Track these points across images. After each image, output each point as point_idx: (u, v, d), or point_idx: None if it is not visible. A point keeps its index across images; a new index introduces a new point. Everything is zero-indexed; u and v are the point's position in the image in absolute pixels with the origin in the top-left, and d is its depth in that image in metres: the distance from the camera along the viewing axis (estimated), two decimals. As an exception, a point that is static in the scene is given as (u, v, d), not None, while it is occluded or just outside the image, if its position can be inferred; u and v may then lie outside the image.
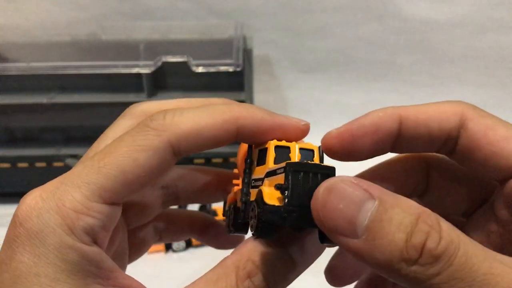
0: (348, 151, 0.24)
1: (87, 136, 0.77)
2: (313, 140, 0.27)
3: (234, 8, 0.87)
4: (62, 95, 0.73)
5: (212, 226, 0.33)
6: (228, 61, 0.67)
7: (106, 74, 0.69)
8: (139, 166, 0.22)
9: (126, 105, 0.84)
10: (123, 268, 0.29)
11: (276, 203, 0.21)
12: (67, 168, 0.72)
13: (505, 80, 0.93)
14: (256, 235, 0.22)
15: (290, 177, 0.20)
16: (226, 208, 0.28)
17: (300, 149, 0.24)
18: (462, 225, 0.26)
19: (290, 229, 0.22)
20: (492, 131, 0.22)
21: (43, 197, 0.21)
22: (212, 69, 0.67)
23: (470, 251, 0.17)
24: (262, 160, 0.24)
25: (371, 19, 0.89)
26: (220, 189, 0.32)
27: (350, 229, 0.18)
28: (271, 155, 0.24)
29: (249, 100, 0.72)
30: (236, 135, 0.24)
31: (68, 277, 0.20)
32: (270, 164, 0.24)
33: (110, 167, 0.22)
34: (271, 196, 0.21)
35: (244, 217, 0.24)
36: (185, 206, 0.60)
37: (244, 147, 0.27)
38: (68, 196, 0.21)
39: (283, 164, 0.21)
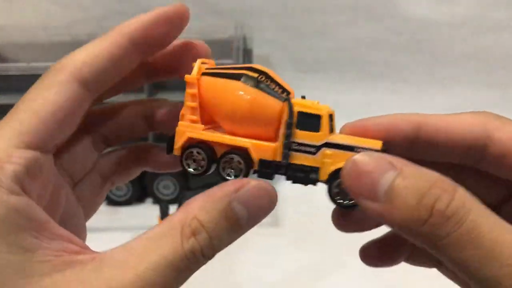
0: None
1: (87, 136, 0.78)
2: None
3: (234, 8, 0.88)
4: (62, 95, 0.73)
5: (155, 150, 0.32)
6: (228, 61, 0.68)
7: (106, 74, 0.69)
8: (49, 103, 0.22)
9: (126, 105, 0.83)
10: (82, 230, 0.27)
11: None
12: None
13: (505, 80, 0.93)
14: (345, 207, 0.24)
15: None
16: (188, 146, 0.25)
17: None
18: None
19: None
20: None
21: None
22: (212, 69, 0.67)
23: (481, 217, 0.19)
24: (307, 125, 0.24)
25: (371, 19, 0.89)
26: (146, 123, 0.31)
27: (373, 193, 0.20)
28: (326, 124, 0.24)
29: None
30: (135, 49, 0.25)
31: None
32: (325, 135, 0.24)
33: (23, 111, 0.22)
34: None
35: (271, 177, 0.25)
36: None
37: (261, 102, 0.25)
38: None
39: (375, 145, 0.23)
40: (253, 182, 0.22)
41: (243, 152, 0.25)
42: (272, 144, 0.24)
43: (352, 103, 0.93)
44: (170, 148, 0.26)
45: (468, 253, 0.18)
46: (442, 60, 0.92)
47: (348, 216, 0.27)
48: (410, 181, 0.20)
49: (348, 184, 0.21)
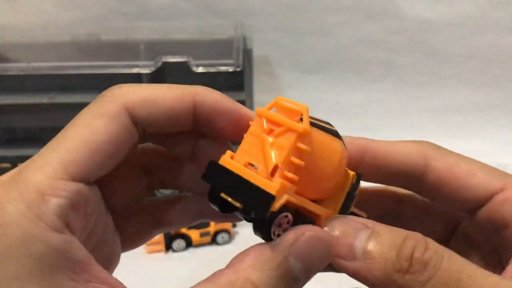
0: None
1: (87, 136, 0.78)
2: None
3: (234, 8, 0.87)
4: (62, 95, 0.73)
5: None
6: (228, 61, 0.68)
7: (107, 74, 0.69)
8: (99, 133, 0.21)
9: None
10: (115, 258, 0.26)
11: None
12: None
13: (504, 80, 0.93)
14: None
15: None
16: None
17: None
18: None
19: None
20: (456, 167, 0.24)
21: (4, 187, 0.19)
22: (212, 69, 0.67)
23: (453, 260, 0.20)
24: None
25: (371, 19, 0.89)
26: None
27: (350, 254, 0.21)
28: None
29: (249, 100, 0.72)
30: (194, 114, 0.24)
31: (32, 274, 0.18)
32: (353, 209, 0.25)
33: (70, 139, 0.20)
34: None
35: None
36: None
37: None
38: (30, 179, 0.19)
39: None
40: (308, 231, 0.21)
41: (313, 220, 0.22)
42: (326, 211, 0.23)
43: (352, 103, 0.93)
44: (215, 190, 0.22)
45: None
46: (442, 60, 0.92)
47: None
48: (386, 237, 0.21)
49: (323, 248, 0.21)
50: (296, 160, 0.21)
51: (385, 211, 0.29)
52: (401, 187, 0.27)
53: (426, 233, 0.24)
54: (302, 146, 0.21)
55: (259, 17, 0.88)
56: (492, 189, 0.23)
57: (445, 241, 0.28)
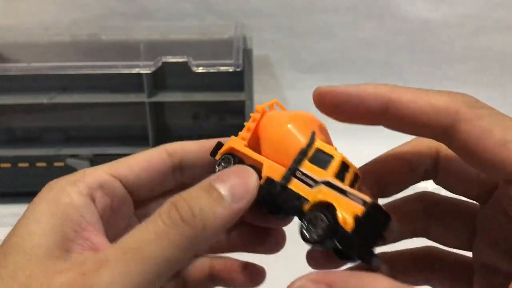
0: (334, 112, 0.26)
1: (88, 136, 0.78)
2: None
3: (234, 8, 0.88)
4: (62, 95, 0.73)
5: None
6: (228, 61, 0.68)
7: (107, 74, 0.69)
8: (140, 160, 0.28)
9: (127, 105, 0.84)
10: None
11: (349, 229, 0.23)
12: (67, 168, 0.72)
13: (504, 80, 0.93)
14: (310, 243, 0.24)
15: (368, 215, 0.23)
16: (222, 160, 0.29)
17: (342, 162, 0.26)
18: (477, 211, 0.27)
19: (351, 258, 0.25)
20: (486, 136, 0.21)
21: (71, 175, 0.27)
22: (212, 69, 0.67)
23: None
24: (318, 161, 0.25)
25: (371, 19, 0.89)
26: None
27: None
28: (336, 166, 0.25)
29: (249, 100, 0.72)
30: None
31: (52, 216, 0.24)
32: (330, 174, 0.25)
33: (116, 162, 0.28)
34: (346, 221, 0.23)
35: (269, 198, 0.26)
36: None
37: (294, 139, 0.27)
38: (85, 169, 0.27)
39: (364, 198, 0.24)
40: (233, 167, 0.26)
41: (259, 168, 0.27)
42: (282, 168, 0.26)
43: (352, 103, 0.93)
44: (214, 153, 0.30)
45: None
46: (442, 60, 0.92)
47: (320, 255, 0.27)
48: None
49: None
50: (248, 124, 0.29)
51: (418, 165, 0.27)
52: (428, 137, 0.24)
53: (462, 186, 0.25)
54: (254, 115, 0.30)
55: (259, 17, 0.88)
56: (500, 176, 0.21)
57: (483, 198, 0.26)
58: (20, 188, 0.76)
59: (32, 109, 0.76)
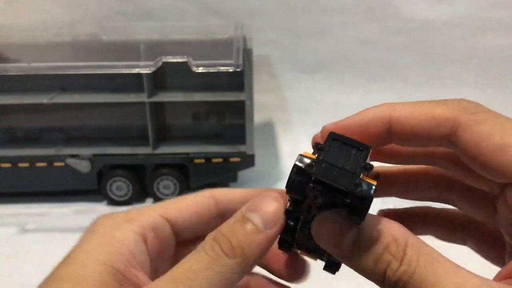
0: None
1: (88, 136, 0.78)
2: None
3: (234, 8, 0.88)
4: (62, 95, 0.73)
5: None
6: (228, 61, 0.68)
7: (107, 74, 0.69)
8: (188, 204, 0.29)
9: (127, 105, 0.84)
10: None
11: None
12: (67, 168, 0.72)
13: (504, 80, 0.93)
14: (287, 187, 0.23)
15: (328, 143, 0.23)
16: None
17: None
18: (495, 197, 0.26)
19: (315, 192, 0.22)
20: (485, 141, 0.21)
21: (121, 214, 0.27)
22: (212, 69, 0.67)
23: (426, 272, 0.20)
24: None
25: (371, 19, 0.89)
26: None
27: (337, 251, 0.22)
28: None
29: (249, 100, 0.72)
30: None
31: (101, 256, 0.24)
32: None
33: (168, 203, 0.29)
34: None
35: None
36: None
37: None
38: (139, 209, 0.28)
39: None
40: (261, 194, 0.25)
41: None
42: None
43: (352, 103, 0.93)
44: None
45: None
46: (442, 60, 0.92)
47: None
48: (368, 242, 0.21)
49: (317, 235, 0.23)
50: None
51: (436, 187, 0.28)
52: (430, 161, 0.26)
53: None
54: None
55: (259, 17, 0.88)
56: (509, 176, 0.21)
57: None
58: (20, 188, 0.76)
59: (32, 109, 0.76)
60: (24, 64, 0.69)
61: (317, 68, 0.94)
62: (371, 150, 0.22)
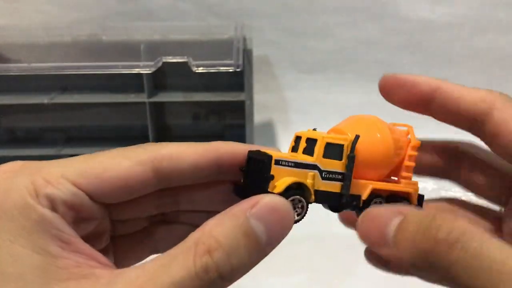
0: (392, 97, 0.30)
1: (88, 136, 0.78)
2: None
3: (234, 8, 0.88)
4: (63, 95, 0.73)
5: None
6: (228, 61, 0.68)
7: (107, 74, 0.70)
8: (119, 171, 0.24)
9: (127, 105, 0.84)
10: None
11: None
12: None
13: (504, 80, 0.93)
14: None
15: (247, 163, 0.27)
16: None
17: (307, 139, 0.27)
18: (500, 215, 0.29)
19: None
20: None
21: (26, 164, 0.23)
22: (212, 70, 0.68)
23: (484, 243, 0.20)
24: (307, 150, 0.27)
25: (371, 19, 0.89)
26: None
27: (380, 240, 0.22)
28: (291, 144, 0.28)
29: (249, 100, 0.72)
30: (217, 166, 0.26)
31: (29, 234, 0.21)
32: (299, 155, 0.27)
33: (94, 161, 0.24)
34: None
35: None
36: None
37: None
38: (47, 168, 0.23)
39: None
40: (266, 197, 0.22)
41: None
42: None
43: (352, 103, 0.93)
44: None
45: (478, 278, 0.19)
46: (442, 60, 0.92)
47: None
48: (414, 220, 0.22)
49: (361, 234, 0.24)
50: (410, 164, 0.29)
51: (445, 166, 0.31)
52: (465, 129, 0.28)
53: (483, 193, 0.28)
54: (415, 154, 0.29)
55: (259, 17, 0.88)
56: None
57: (502, 202, 0.29)
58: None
59: (32, 109, 0.76)
60: (24, 64, 0.69)
61: (317, 68, 0.94)
62: (273, 160, 0.25)
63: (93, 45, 0.80)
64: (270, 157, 0.25)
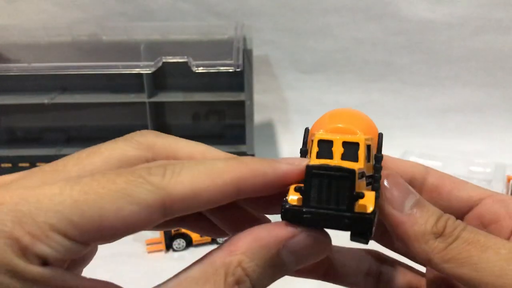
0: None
1: (88, 136, 0.78)
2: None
3: (234, 8, 0.88)
4: (63, 95, 0.73)
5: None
6: (228, 61, 0.68)
7: (107, 74, 0.70)
8: (120, 218, 0.19)
9: (127, 105, 0.84)
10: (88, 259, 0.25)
11: (297, 204, 0.21)
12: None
13: (504, 80, 0.93)
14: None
15: (308, 181, 0.21)
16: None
17: (344, 142, 0.24)
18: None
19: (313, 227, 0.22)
20: (449, 177, 0.28)
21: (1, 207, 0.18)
22: (212, 70, 0.68)
23: (476, 232, 0.23)
24: (322, 152, 0.24)
25: (371, 19, 0.89)
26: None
27: (399, 206, 0.23)
28: (314, 149, 0.24)
29: (249, 100, 0.72)
30: (237, 195, 0.22)
31: None
32: (313, 159, 0.23)
33: (89, 206, 0.19)
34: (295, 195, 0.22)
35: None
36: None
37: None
38: (32, 215, 0.18)
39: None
40: (305, 232, 0.21)
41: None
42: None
43: (352, 103, 0.93)
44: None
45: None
46: (442, 60, 0.92)
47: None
48: (428, 206, 0.24)
49: (385, 188, 0.24)
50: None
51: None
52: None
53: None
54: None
55: (259, 17, 0.88)
56: (481, 194, 0.27)
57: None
58: (20, 188, 0.76)
59: (32, 109, 0.76)
60: (24, 64, 0.69)
61: (317, 68, 0.94)
62: (356, 174, 0.21)
63: (93, 45, 0.80)
64: (352, 171, 0.21)
